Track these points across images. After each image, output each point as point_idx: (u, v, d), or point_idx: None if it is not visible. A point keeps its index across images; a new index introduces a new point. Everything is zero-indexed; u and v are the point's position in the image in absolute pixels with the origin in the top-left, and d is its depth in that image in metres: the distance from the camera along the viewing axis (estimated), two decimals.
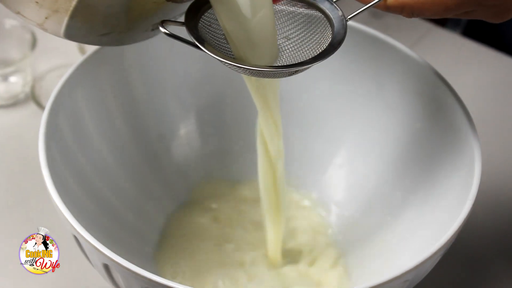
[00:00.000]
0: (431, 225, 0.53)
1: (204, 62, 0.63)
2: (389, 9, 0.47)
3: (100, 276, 0.57)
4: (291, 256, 0.61)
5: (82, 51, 0.73)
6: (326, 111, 0.64)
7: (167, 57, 0.61)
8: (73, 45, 0.74)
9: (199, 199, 0.64)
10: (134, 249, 0.57)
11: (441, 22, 0.88)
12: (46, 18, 0.44)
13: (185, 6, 0.47)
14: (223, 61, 0.45)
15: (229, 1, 0.45)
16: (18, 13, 0.45)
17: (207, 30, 0.47)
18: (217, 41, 0.47)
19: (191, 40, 0.45)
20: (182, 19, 0.46)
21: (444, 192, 0.54)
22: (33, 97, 0.71)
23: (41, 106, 0.70)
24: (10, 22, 0.74)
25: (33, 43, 0.72)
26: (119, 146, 0.60)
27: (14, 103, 0.72)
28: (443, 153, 0.55)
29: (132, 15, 0.46)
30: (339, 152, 0.64)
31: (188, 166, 0.65)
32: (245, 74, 0.47)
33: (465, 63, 0.79)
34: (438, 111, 0.56)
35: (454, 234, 0.47)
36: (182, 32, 0.45)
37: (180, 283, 0.55)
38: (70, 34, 0.45)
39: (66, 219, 0.45)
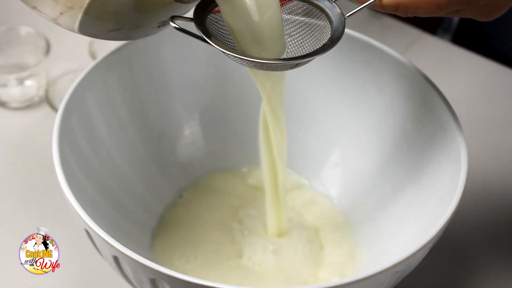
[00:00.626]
0: (421, 219, 0.53)
1: (207, 65, 0.62)
2: (384, 8, 0.47)
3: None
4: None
5: (93, 57, 0.73)
6: (322, 113, 0.63)
7: (172, 62, 0.61)
8: (84, 51, 0.74)
9: (203, 189, 0.64)
10: (141, 240, 0.57)
11: (432, 29, 0.88)
12: (60, 13, 0.44)
13: (190, 5, 0.47)
14: (230, 54, 0.45)
15: (236, 3, 0.45)
16: (34, 8, 0.45)
17: (214, 26, 0.47)
18: (224, 36, 0.47)
19: (199, 34, 0.45)
20: (190, 15, 0.46)
21: (434, 188, 0.54)
22: (47, 100, 0.71)
23: (54, 108, 0.70)
24: (26, 29, 0.74)
25: (47, 49, 0.72)
26: (127, 145, 0.60)
27: (29, 105, 0.72)
28: (432, 152, 0.55)
29: (141, 13, 0.46)
30: (334, 151, 0.64)
31: (192, 165, 0.64)
32: (249, 66, 0.47)
33: (453, 68, 0.79)
34: (428, 113, 0.56)
35: (443, 227, 0.47)
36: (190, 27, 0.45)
37: (190, 270, 0.55)
38: (83, 29, 0.45)
39: (79, 215, 0.45)
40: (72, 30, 0.46)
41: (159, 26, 0.49)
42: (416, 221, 0.54)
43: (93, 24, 0.45)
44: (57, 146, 0.49)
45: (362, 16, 0.81)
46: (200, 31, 0.45)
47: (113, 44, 0.61)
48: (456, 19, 0.91)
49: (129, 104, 0.60)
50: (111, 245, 0.43)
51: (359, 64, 0.60)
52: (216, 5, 0.47)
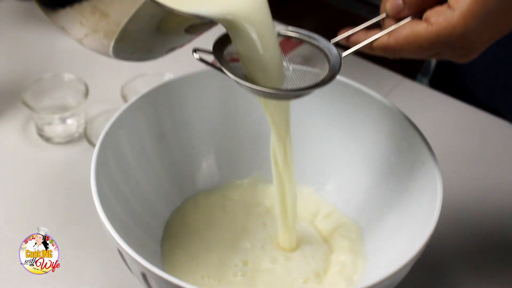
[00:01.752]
0: (405, 239, 0.53)
1: (221, 107, 0.63)
2: (374, 50, 0.47)
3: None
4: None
5: (124, 99, 0.73)
6: (319, 149, 0.64)
7: (191, 104, 0.62)
8: (117, 94, 0.75)
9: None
10: (166, 258, 0.57)
11: (411, 75, 0.88)
12: (85, 35, 0.43)
13: (193, 35, 0.47)
14: (242, 83, 0.45)
15: (246, 41, 0.44)
16: (62, 28, 0.44)
17: (229, 58, 0.47)
18: (236, 68, 0.47)
19: (217, 65, 0.45)
20: (210, 48, 0.46)
21: (413, 212, 0.54)
22: (86, 136, 0.71)
23: (92, 144, 0.70)
24: (68, 75, 0.74)
25: (86, 93, 0.72)
26: (153, 176, 0.60)
27: (70, 141, 0.72)
28: (412, 181, 0.56)
29: (157, 40, 0.45)
30: (329, 180, 0.64)
31: (210, 191, 0.64)
32: (258, 95, 0.47)
33: (431, 109, 0.79)
34: (408, 148, 0.56)
35: (423, 245, 0.47)
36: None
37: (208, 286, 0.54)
38: (102, 50, 0.45)
39: (112, 237, 0.46)
40: (93, 50, 0.45)
41: (167, 52, 0.48)
42: (399, 241, 0.54)
43: (114, 46, 0.44)
44: (94, 177, 0.50)
45: (351, 63, 0.81)
46: (217, 61, 0.45)
47: (142, 88, 0.61)
48: (433, 64, 0.91)
49: (155, 140, 0.60)
50: (140, 264, 0.44)
51: (349, 105, 0.61)
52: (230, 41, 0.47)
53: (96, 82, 0.77)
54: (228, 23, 0.43)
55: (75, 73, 0.75)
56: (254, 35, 0.44)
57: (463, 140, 0.76)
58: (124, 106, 0.56)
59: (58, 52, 0.86)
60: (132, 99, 0.57)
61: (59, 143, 0.72)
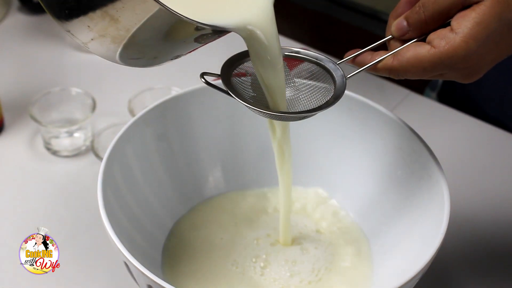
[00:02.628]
0: (411, 253, 0.53)
1: (226, 121, 0.63)
2: (379, 71, 0.48)
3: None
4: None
5: (132, 113, 0.73)
6: (327, 161, 0.64)
7: (197, 118, 0.62)
8: (124, 108, 0.75)
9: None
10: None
11: (419, 89, 0.88)
12: (91, 39, 0.42)
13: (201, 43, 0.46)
14: (249, 107, 0.46)
15: (262, 48, 0.45)
16: (68, 31, 0.42)
17: (238, 81, 0.48)
18: (245, 90, 0.48)
19: (223, 88, 0.46)
20: (218, 71, 0.47)
21: (420, 226, 0.54)
22: (93, 150, 0.71)
23: (98, 157, 0.70)
24: (76, 90, 0.74)
25: (93, 107, 0.72)
26: (159, 189, 0.60)
27: (77, 154, 0.73)
28: (419, 195, 0.56)
29: (164, 47, 0.45)
30: (336, 195, 0.64)
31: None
32: (265, 117, 0.48)
33: (438, 123, 0.79)
34: (415, 162, 0.56)
35: (430, 259, 0.47)
36: None
37: None
38: (107, 54, 0.44)
39: (119, 250, 0.46)
40: (97, 54, 0.44)
41: (172, 59, 0.47)
42: (407, 254, 0.54)
43: (121, 52, 0.43)
44: (101, 190, 0.50)
45: (359, 78, 0.81)
46: (225, 87, 0.46)
47: (149, 102, 0.62)
48: (441, 80, 0.91)
49: (162, 154, 0.61)
50: (147, 276, 0.44)
51: (357, 120, 0.61)
52: (240, 64, 0.48)
53: (103, 96, 0.78)
54: (247, 33, 0.44)
55: (82, 87, 0.75)
56: (265, 43, 0.45)
57: (471, 154, 0.76)
58: (131, 120, 0.57)
59: (66, 66, 0.87)
60: (139, 113, 0.58)
61: (66, 157, 0.72)
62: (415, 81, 0.93)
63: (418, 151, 0.56)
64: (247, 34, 0.44)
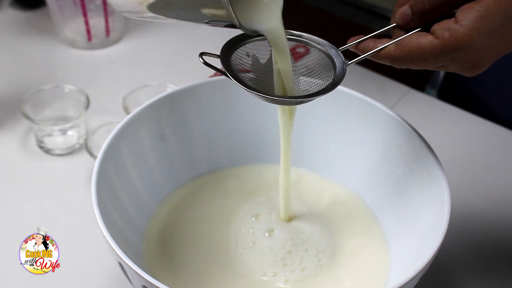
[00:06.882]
0: (411, 252, 0.53)
1: (222, 117, 0.63)
2: (380, 59, 0.48)
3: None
4: None
5: (126, 111, 0.74)
6: (328, 156, 0.64)
7: (193, 115, 0.62)
8: (119, 106, 0.75)
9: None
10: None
11: (420, 86, 0.88)
12: None
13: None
14: (248, 91, 0.46)
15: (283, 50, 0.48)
16: None
17: (238, 62, 0.48)
18: (244, 73, 0.49)
19: (222, 69, 0.46)
20: (218, 52, 0.47)
21: (421, 224, 0.54)
22: (86, 148, 0.70)
23: (92, 155, 0.69)
24: (69, 87, 0.74)
25: (87, 104, 0.72)
26: (154, 187, 0.60)
27: (70, 152, 0.73)
28: (420, 193, 0.56)
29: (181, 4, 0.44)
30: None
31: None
32: (262, 100, 0.48)
33: (438, 120, 0.79)
34: (415, 160, 0.57)
35: (431, 258, 0.47)
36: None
37: None
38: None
39: (113, 250, 0.46)
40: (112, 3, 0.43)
41: (174, 18, 0.46)
42: (407, 253, 0.54)
43: None
44: (95, 189, 0.50)
45: (359, 74, 0.82)
46: (224, 68, 0.46)
47: (144, 100, 0.62)
48: (441, 75, 0.91)
49: (157, 152, 0.61)
50: (142, 277, 0.44)
51: (355, 117, 0.61)
52: (240, 46, 0.49)
53: (97, 93, 0.78)
54: (272, 33, 0.47)
55: (76, 84, 0.75)
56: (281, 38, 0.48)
57: (472, 152, 0.76)
58: (126, 118, 0.57)
59: (59, 63, 0.87)
60: (134, 110, 0.58)
61: (59, 155, 0.72)
62: (415, 78, 0.93)
63: (418, 149, 0.56)
64: (272, 34, 0.47)
